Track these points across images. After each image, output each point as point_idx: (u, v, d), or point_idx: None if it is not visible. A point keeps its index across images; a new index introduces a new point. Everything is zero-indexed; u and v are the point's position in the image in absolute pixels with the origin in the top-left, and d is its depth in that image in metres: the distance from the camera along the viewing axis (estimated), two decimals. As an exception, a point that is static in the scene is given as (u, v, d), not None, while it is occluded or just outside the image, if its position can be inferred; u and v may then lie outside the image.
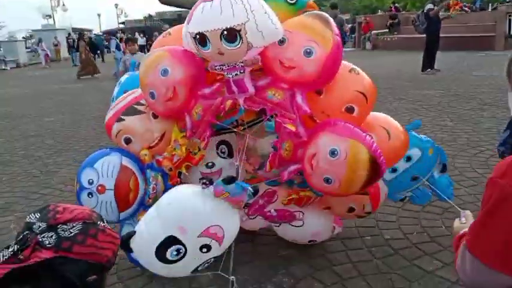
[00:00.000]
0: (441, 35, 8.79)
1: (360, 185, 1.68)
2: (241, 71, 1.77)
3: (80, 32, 22.78)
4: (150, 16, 32.92)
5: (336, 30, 1.69)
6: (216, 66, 1.81)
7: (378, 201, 2.10)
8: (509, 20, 11.32)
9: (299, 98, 1.76)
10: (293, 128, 1.77)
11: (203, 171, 2.11)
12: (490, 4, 16.68)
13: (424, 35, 8.84)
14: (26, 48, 27.25)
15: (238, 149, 2.07)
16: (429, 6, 8.27)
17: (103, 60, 21.44)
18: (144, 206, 2.05)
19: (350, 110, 1.82)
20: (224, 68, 1.80)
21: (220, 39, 1.64)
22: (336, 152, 1.65)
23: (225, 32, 1.62)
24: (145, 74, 1.91)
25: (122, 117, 2.03)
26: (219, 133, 2.00)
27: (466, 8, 10.77)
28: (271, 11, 1.66)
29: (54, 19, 33.56)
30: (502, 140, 2.08)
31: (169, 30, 2.25)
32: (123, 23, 40.01)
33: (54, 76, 15.46)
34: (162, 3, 9.96)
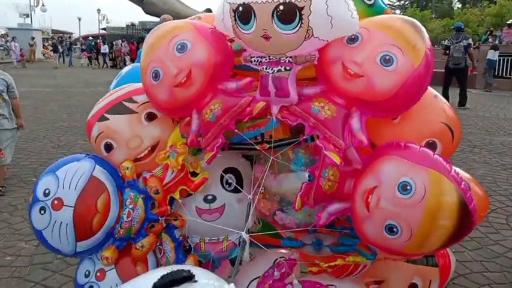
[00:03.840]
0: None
1: (441, 241, 1.14)
2: (287, 68, 1.29)
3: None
4: (132, 24, 32.72)
5: (430, 44, 1.24)
6: (253, 57, 1.33)
7: (447, 277, 1.56)
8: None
9: (356, 122, 1.27)
10: (337, 160, 1.25)
11: (200, 206, 1.52)
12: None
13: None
14: (-1, 46, 26.61)
15: (252, 181, 1.52)
16: (470, 40, 8.21)
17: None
18: (113, 239, 1.44)
19: (431, 145, 1.33)
20: (264, 61, 1.31)
21: (272, 16, 1.17)
22: (409, 187, 1.13)
23: (281, 8, 1.16)
24: (153, 46, 1.40)
25: (106, 115, 1.49)
26: (233, 147, 1.45)
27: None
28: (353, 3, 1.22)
29: (31, 19, 33.42)
30: None
31: (199, 14, 1.78)
32: (104, 28, 39.91)
33: (24, 77, 14.72)
34: (146, 13, 9.98)
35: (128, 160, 1.46)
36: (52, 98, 9.93)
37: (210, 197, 1.51)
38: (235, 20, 1.26)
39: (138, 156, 1.47)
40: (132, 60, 17.98)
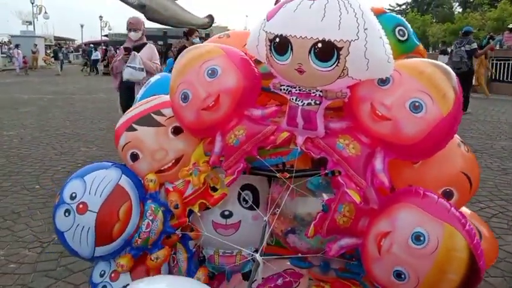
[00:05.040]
0: None
1: None
2: (316, 102, 1.31)
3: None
4: None
5: (459, 91, 1.26)
6: (283, 86, 1.35)
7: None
8: (491, 64, 11.45)
9: (379, 162, 1.29)
10: (358, 199, 1.28)
11: (216, 220, 1.57)
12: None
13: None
14: (2, 53, 26.63)
15: (269, 200, 1.56)
16: (475, 45, 8.19)
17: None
18: (131, 247, 1.49)
19: (448, 195, 1.36)
20: (294, 91, 1.33)
21: (309, 52, 1.19)
22: (422, 238, 1.17)
23: (319, 45, 1.17)
24: (184, 68, 1.42)
25: (134, 125, 1.53)
26: (253, 173, 1.49)
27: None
28: (386, 38, 1.22)
29: (34, 26, 33.36)
30: None
31: (228, 32, 1.79)
32: (106, 35, 40.04)
33: (27, 84, 14.96)
34: (148, 19, 9.90)
35: (152, 172, 1.50)
36: (54, 105, 9.94)
37: (227, 213, 1.56)
38: (271, 49, 1.27)
39: (162, 168, 1.51)
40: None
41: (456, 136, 1.42)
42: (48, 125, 7.16)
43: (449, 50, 12.00)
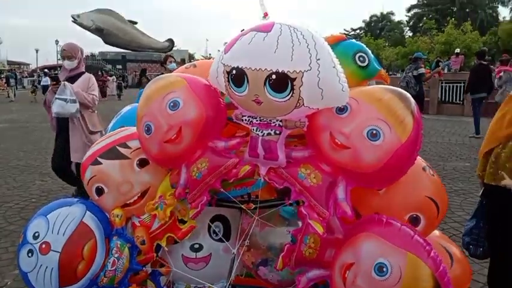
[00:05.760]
0: None
1: None
2: (276, 132, 1.30)
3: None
4: (92, 55, 32.40)
5: (419, 116, 1.25)
6: (245, 116, 1.35)
7: None
8: (441, 86, 12.13)
9: (341, 191, 1.28)
10: (320, 230, 1.26)
11: (186, 254, 1.54)
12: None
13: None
14: None
15: (239, 231, 1.54)
16: (422, 70, 8.34)
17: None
18: (97, 286, 1.45)
19: (415, 220, 1.34)
20: (254, 121, 1.33)
21: (264, 83, 1.19)
22: (385, 269, 1.15)
23: (274, 77, 1.18)
24: (148, 101, 1.43)
25: (99, 159, 1.52)
26: (219, 204, 1.47)
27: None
28: (340, 67, 1.23)
29: None
30: (467, 229, 1.90)
31: (194, 62, 1.81)
32: None
33: None
34: (106, 43, 9.78)
35: (118, 207, 1.48)
36: (7, 135, 9.11)
37: (196, 246, 1.53)
38: (229, 81, 1.28)
39: (128, 202, 1.49)
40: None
41: (421, 160, 1.42)
42: (0, 157, 6.90)
43: (398, 74, 12.69)
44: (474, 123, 7.89)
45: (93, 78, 3.74)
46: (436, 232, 1.54)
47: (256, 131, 1.32)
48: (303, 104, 1.22)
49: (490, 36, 22.91)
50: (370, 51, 1.51)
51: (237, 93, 1.27)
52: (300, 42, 1.19)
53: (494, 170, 1.67)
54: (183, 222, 1.50)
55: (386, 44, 29.76)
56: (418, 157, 1.36)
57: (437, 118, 11.18)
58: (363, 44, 1.54)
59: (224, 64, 1.28)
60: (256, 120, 1.33)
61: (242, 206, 1.41)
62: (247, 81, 1.22)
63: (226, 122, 1.48)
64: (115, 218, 1.47)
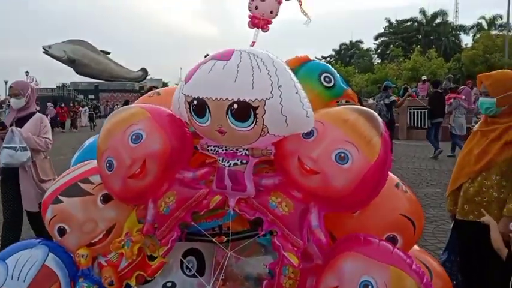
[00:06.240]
0: None
1: None
2: (243, 162, 1.26)
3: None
4: (63, 85, 31.89)
5: (386, 135, 1.23)
6: (210, 146, 1.31)
7: None
8: (410, 112, 12.58)
9: (314, 218, 1.24)
10: (295, 262, 1.22)
11: None
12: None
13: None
14: None
15: (213, 264, 1.48)
16: (393, 98, 8.52)
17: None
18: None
19: (392, 241, 1.31)
20: (220, 151, 1.29)
21: (227, 113, 1.16)
22: (370, 287, 1.12)
23: (235, 106, 1.14)
24: (108, 135, 1.37)
25: (60, 197, 1.44)
26: (190, 239, 1.41)
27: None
28: (304, 92, 1.21)
29: None
30: (440, 262, 1.85)
31: (158, 90, 1.75)
32: None
33: None
34: (78, 74, 9.63)
35: (84, 247, 1.40)
36: None
37: (169, 284, 1.46)
38: (191, 112, 1.24)
39: (93, 241, 1.42)
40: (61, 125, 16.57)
41: (393, 176, 1.40)
42: None
43: (370, 100, 13.31)
44: (432, 144, 8.18)
45: (46, 119, 3.30)
46: (416, 246, 1.52)
47: (222, 161, 1.28)
48: (268, 132, 1.18)
49: (454, 62, 24.08)
50: (335, 71, 1.50)
51: (199, 124, 1.23)
52: (260, 69, 1.16)
53: (465, 205, 1.73)
54: (152, 258, 1.44)
55: (356, 71, 30.73)
56: (390, 174, 1.33)
57: (408, 143, 11.37)
58: (328, 64, 1.52)
59: (185, 94, 1.24)
60: (222, 150, 1.29)
61: (213, 239, 1.35)
62: (209, 112, 1.18)
63: (194, 151, 1.43)
64: (80, 259, 1.39)
